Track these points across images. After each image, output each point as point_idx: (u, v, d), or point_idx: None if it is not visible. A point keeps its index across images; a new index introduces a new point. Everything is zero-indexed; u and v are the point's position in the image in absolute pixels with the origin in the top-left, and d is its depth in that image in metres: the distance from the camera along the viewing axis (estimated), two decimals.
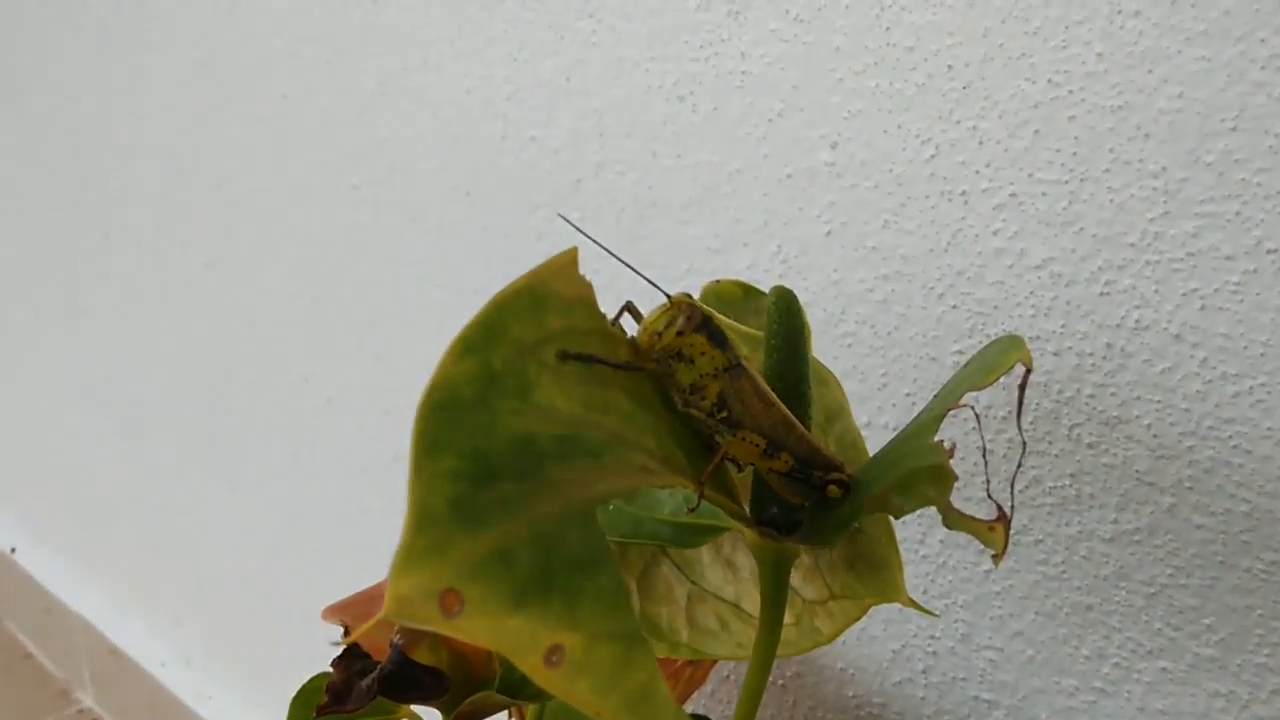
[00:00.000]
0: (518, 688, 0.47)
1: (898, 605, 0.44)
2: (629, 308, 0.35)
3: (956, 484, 0.36)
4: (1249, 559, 0.47)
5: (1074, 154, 0.48)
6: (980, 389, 0.34)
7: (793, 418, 0.36)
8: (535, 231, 0.72)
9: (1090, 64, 0.47)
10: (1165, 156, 0.46)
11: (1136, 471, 0.49)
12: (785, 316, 0.37)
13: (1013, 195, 0.50)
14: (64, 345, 1.33)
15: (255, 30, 0.90)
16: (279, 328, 0.98)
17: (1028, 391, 0.51)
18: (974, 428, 0.53)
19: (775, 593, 0.37)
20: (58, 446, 1.41)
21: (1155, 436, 0.48)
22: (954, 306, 0.53)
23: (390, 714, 0.48)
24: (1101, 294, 0.48)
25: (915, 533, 0.57)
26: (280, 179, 0.92)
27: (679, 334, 0.33)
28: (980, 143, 0.51)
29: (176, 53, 1.00)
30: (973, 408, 0.53)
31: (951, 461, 0.31)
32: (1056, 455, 0.51)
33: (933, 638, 0.58)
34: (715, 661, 0.59)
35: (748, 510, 0.38)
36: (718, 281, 0.47)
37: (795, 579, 0.42)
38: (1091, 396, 0.50)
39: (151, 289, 1.14)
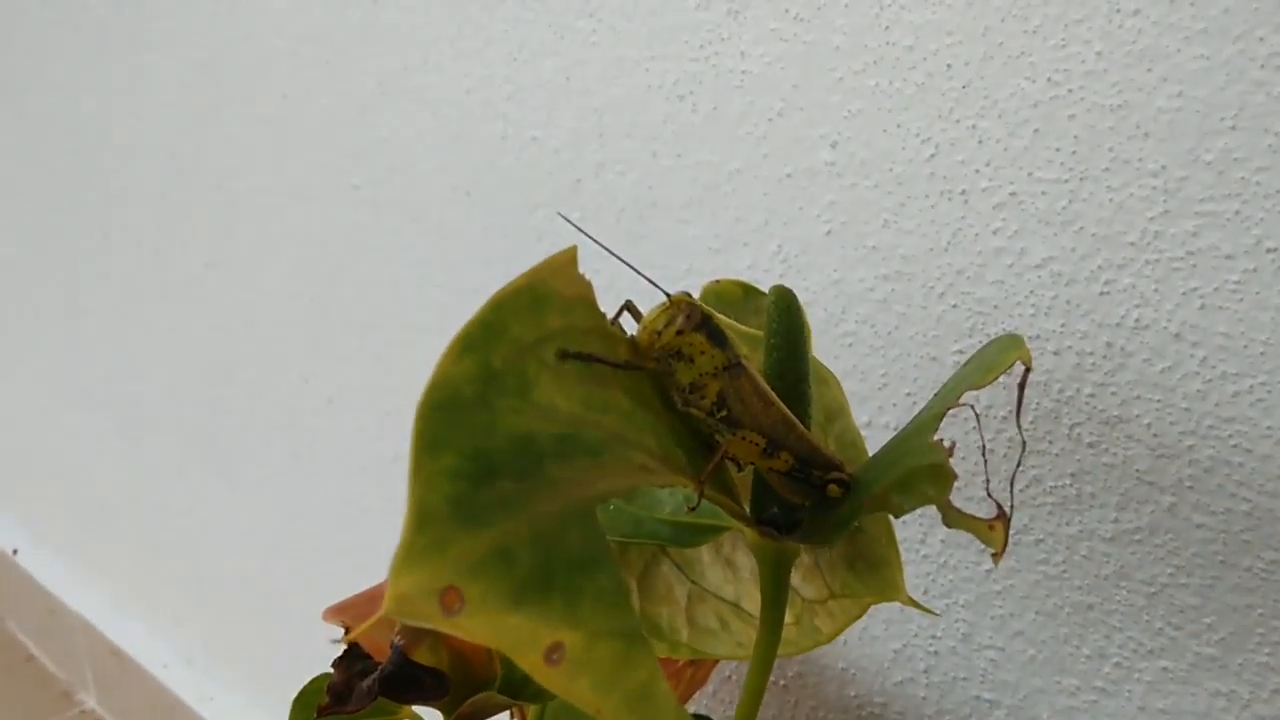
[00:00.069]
0: (519, 688, 0.47)
1: (898, 605, 0.44)
2: (629, 307, 0.35)
3: (956, 483, 0.36)
4: (1249, 558, 0.47)
5: (1074, 153, 0.48)
6: (980, 388, 0.34)
7: (793, 417, 0.36)
8: (535, 231, 0.72)
9: (1090, 63, 0.47)
10: (1165, 155, 0.46)
11: (1137, 471, 0.49)
12: (785, 316, 0.37)
13: (1012, 194, 0.50)
14: (64, 345, 1.33)
15: (255, 30, 0.90)
16: (279, 328, 0.98)
17: (1028, 390, 0.51)
18: (974, 427, 0.53)
19: (776, 592, 0.37)
20: (58, 447, 1.41)
21: (1155, 435, 0.48)
22: (954, 306, 0.53)
23: (391, 715, 0.48)
24: (1101, 293, 0.48)
25: (916, 532, 0.57)
26: (280, 179, 0.92)
27: (679, 333, 0.33)
28: (980, 142, 0.51)
29: (176, 53, 1.00)
30: (973, 407, 0.53)
31: (951, 461, 0.31)
32: (1057, 454, 0.51)
33: (934, 637, 0.58)
34: (717, 662, 0.59)
35: (748, 510, 0.38)
36: (718, 281, 0.47)
37: (795, 578, 0.42)
38: (1092, 396, 0.50)
39: (151, 289, 1.14)
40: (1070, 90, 0.48)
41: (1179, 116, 0.45)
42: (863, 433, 0.49)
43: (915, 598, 0.54)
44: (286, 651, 1.11)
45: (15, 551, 1.52)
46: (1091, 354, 0.49)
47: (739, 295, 0.47)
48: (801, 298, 0.58)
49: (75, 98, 1.18)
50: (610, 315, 0.32)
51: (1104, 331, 0.49)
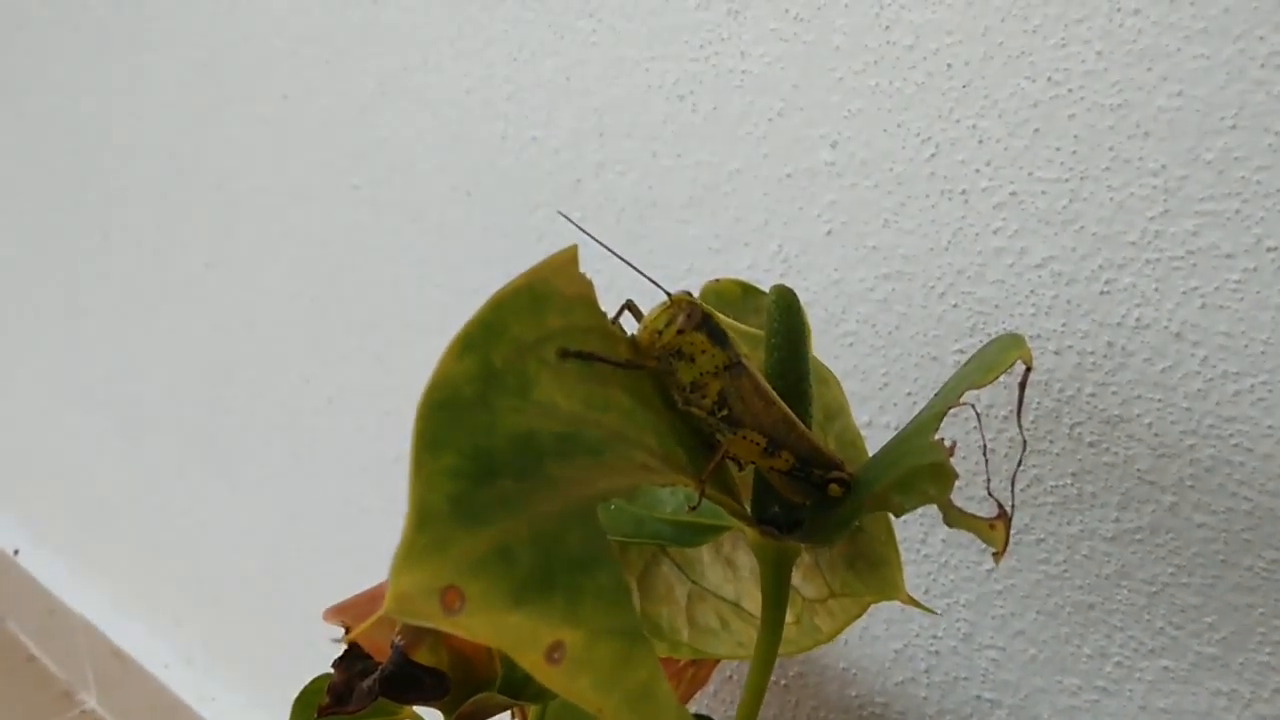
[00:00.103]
0: (519, 688, 0.47)
1: (899, 604, 0.44)
2: (629, 306, 0.35)
3: (957, 483, 0.36)
4: (1250, 557, 0.47)
5: (1074, 152, 0.48)
6: (980, 387, 0.34)
7: (793, 416, 0.36)
8: (536, 231, 0.72)
9: (1090, 62, 0.47)
10: (1165, 154, 0.46)
11: (1138, 470, 0.49)
12: (786, 315, 0.37)
13: (1013, 194, 0.50)
14: (64, 346, 1.33)
15: (255, 30, 0.90)
16: (279, 328, 0.98)
17: (1028, 390, 0.51)
18: (975, 426, 0.53)
19: (777, 592, 0.37)
20: (59, 448, 1.41)
21: (1156, 435, 0.48)
22: (955, 305, 0.53)
23: (392, 715, 0.48)
24: (1102, 292, 0.48)
25: (917, 532, 0.57)
26: (280, 179, 0.92)
27: (679, 332, 0.33)
28: (980, 141, 0.51)
29: (176, 53, 1.00)
30: (973, 406, 0.53)
31: (952, 460, 0.31)
32: (1058, 454, 0.51)
33: (935, 637, 0.58)
34: (718, 661, 0.59)
35: (749, 509, 0.38)
36: (717, 280, 0.47)
37: (795, 577, 0.42)
38: (1092, 395, 0.50)
39: (152, 289, 1.14)
40: (1070, 90, 0.48)
41: (1179, 116, 0.45)
42: (864, 432, 0.49)
43: (916, 597, 0.54)
44: (287, 652, 1.11)
45: (16, 552, 1.52)
46: (1092, 353, 0.49)
47: (738, 294, 0.47)
48: (802, 297, 0.58)
49: (75, 98, 1.18)
50: (611, 315, 0.32)
51: (1105, 331, 0.49)
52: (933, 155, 0.52)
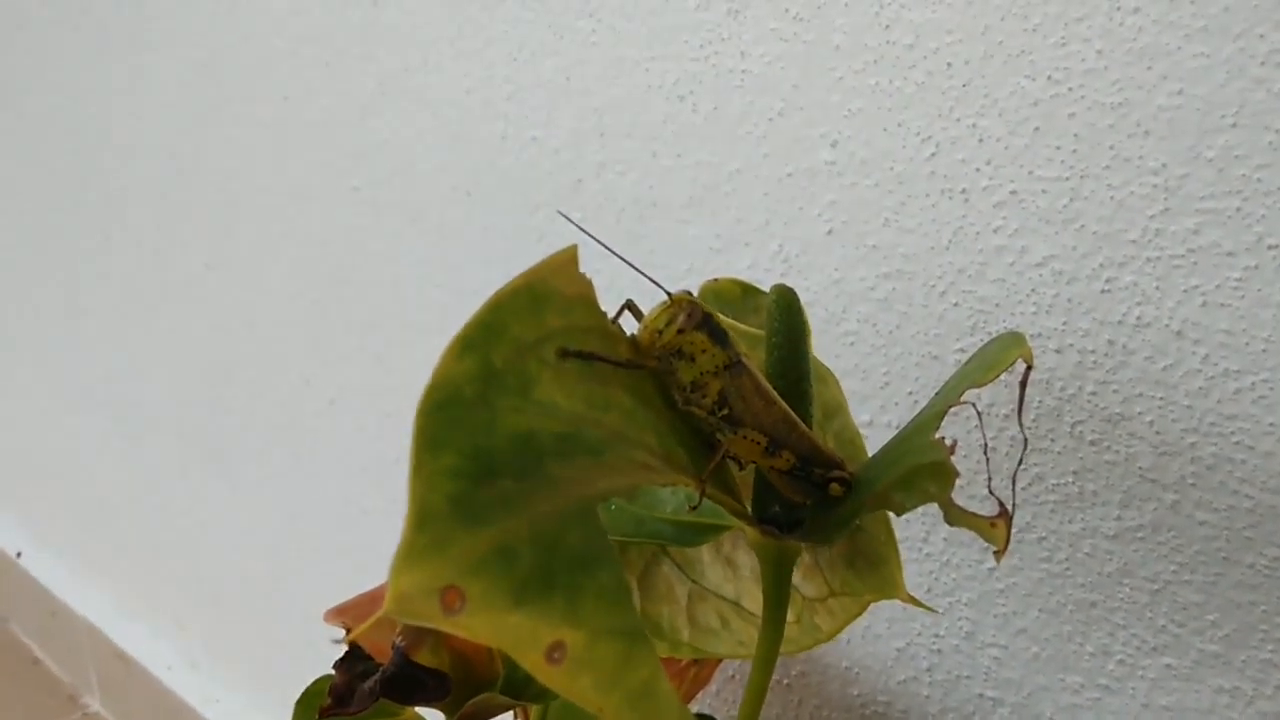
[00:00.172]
0: (521, 688, 0.47)
1: (902, 604, 0.44)
2: (629, 306, 0.35)
3: (959, 481, 0.35)
4: (1252, 555, 0.47)
5: (1074, 151, 0.48)
6: (981, 386, 0.34)
7: (794, 416, 0.36)
8: (536, 232, 0.72)
9: (1090, 61, 0.47)
10: (1165, 153, 0.46)
11: (1139, 468, 0.49)
12: (786, 315, 0.37)
13: (1013, 193, 0.50)
14: (65, 347, 1.34)
15: (255, 31, 0.90)
16: (279, 328, 0.98)
17: (1030, 388, 0.51)
18: (976, 425, 0.53)
19: (778, 591, 0.37)
20: (60, 449, 1.41)
21: (1157, 433, 0.48)
22: (955, 304, 0.53)
23: (393, 716, 0.48)
24: (1103, 291, 0.48)
25: (919, 531, 0.57)
26: (280, 180, 0.92)
27: (680, 331, 0.33)
28: (980, 140, 0.51)
29: (177, 53, 1.00)
30: (974, 405, 0.53)
31: (953, 459, 0.31)
32: (1059, 452, 0.51)
33: (937, 636, 0.58)
34: (720, 661, 0.59)
35: (749, 509, 0.38)
36: (716, 280, 0.47)
37: (795, 577, 0.42)
38: (1093, 394, 0.49)
39: (152, 290, 1.14)
40: (1070, 88, 0.47)
41: (1179, 114, 0.45)
42: (864, 432, 0.49)
43: (918, 596, 0.54)
44: (289, 653, 1.11)
45: (19, 554, 1.52)
46: (1093, 352, 0.49)
47: (737, 294, 0.47)
48: (802, 297, 0.58)
49: (76, 98, 1.18)
50: (611, 314, 0.32)
51: (1105, 329, 0.49)
52: (933, 154, 0.52)
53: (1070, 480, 0.51)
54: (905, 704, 0.60)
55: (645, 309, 0.34)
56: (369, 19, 0.79)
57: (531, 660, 0.24)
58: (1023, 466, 0.52)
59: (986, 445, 0.53)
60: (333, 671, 0.45)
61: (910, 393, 0.56)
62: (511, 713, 0.50)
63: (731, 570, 0.43)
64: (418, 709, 0.48)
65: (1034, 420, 0.51)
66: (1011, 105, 0.49)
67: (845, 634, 0.58)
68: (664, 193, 0.64)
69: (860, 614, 0.43)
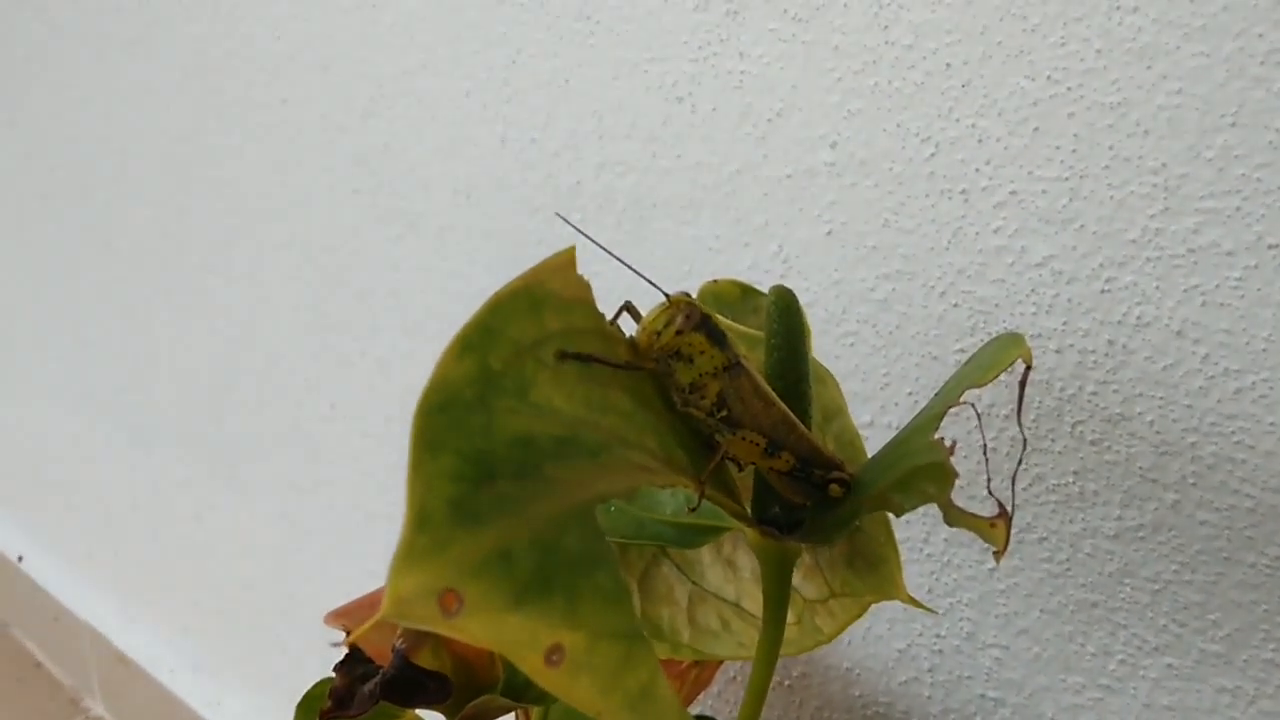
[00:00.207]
0: (521, 690, 0.47)
1: (902, 605, 0.44)
2: (628, 307, 0.35)
3: (959, 482, 0.36)
4: (1253, 554, 0.47)
5: (1073, 151, 0.48)
6: (980, 386, 0.34)
7: (793, 417, 0.36)
8: (537, 234, 0.72)
9: (1089, 60, 0.47)
10: (1165, 152, 0.46)
11: (1140, 468, 0.49)
12: (785, 315, 0.37)
13: (1013, 193, 0.50)
14: (67, 351, 1.34)
15: (254, 35, 0.90)
16: (281, 333, 0.98)
17: (1030, 389, 0.51)
18: (976, 426, 0.53)
19: (778, 592, 0.37)
20: (63, 454, 1.41)
21: (1158, 433, 0.48)
22: (955, 305, 0.53)
23: (394, 718, 0.48)
24: (1103, 291, 0.48)
25: (919, 532, 0.57)
26: (281, 184, 0.92)
27: (678, 333, 0.33)
28: (980, 140, 0.51)
29: (176, 59, 1.00)
30: (974, 405, 0.53)
31: (953, 459, 0.31)
32: (1059, 453, 0.51)
33: (938, 636, 0.58)
34: (721, 662, 0.59)
35: (749, 510, 0.38)
36: (715, 281, 0.47)
37: (796, 578, 0.42)
38: (1094, 394, 0.49)
39: (154, 295, 1.14)
40: (1070, 88, 0.47)
41: (1179, 113, 0.45)
42: (864, 433, 0.49)
43: (919, 597, 0.54)
44: (293, 657, 1.11)
45: (21, 558, 1.52)
46: (1093, 352, 0.49)
47: (736, 295, 0.47)
48: (802, 298, 0.58)
49: (77, 105, 1.18)
50: (609, 316, 0.32)
51: (1105, 329, 0.49)
52: (932, 155, 0.52)
53: (1071, 480, 0.51)
54: (906, 705, 0.60)
55: (644, 311, 0.34)
56: (368, 23, 0.79)
57: (530, 663, 0.24)
58: (1023, 467, 0.52)
59: (986, 446, 0.53)
60: (333, 674, 0.45)
61: (910, 393, 0.56)
62: (513, 715, 0.50)
63: (732, 572, 0.43)
64: (418, 711, 0.48)
65: (1034, 420, 0.51)
66: (1011, 105, 0.49)
67: (846, 635, 0.58)
68: (663, 194, 0.64)
69: (861, 615, 0.43)
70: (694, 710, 0.66)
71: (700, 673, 0.54)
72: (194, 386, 1.13)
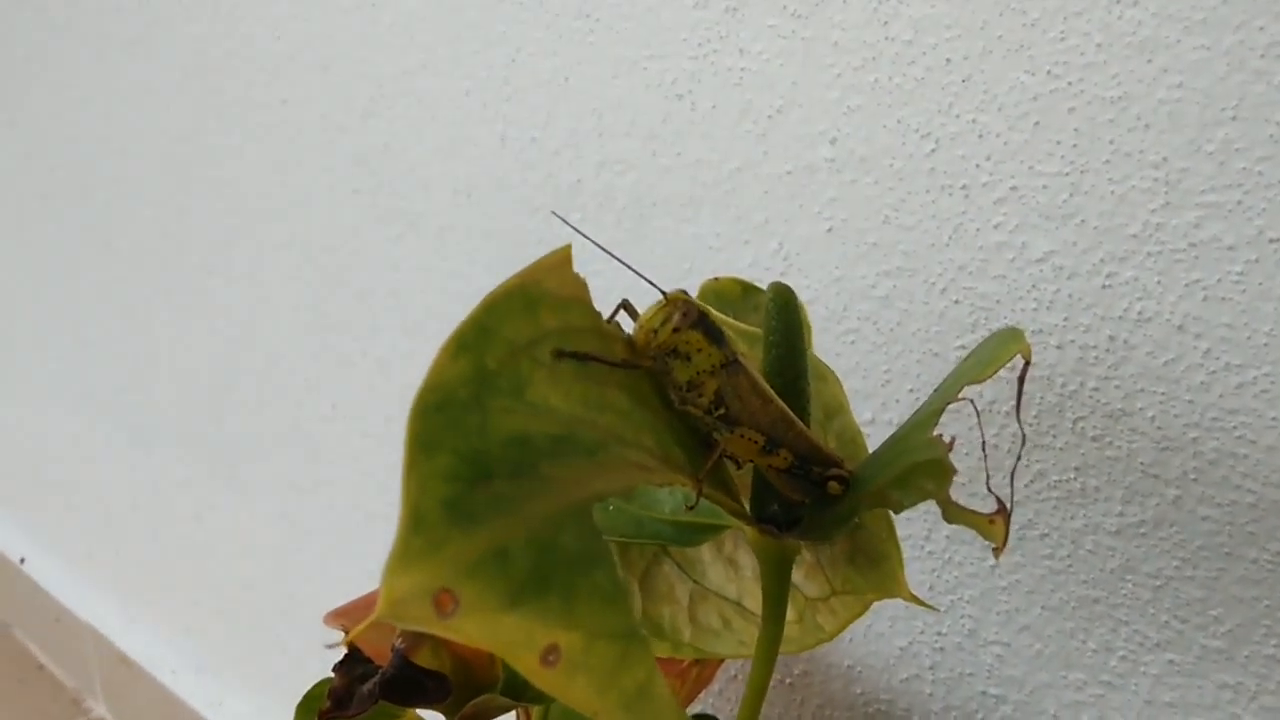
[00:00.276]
0: (521, 689, 0.47)
1: (904, 603, 0.44)
2: (625, 305, 0.35)
3: (961, 479, 0.35)
4: (1255, 550, 0.47)
5: (1074, 146, 0.48)
6: (979, 382, 0.34)
7: (791, 414, 0.36)
8: (537, 234, 0.72)
9: (1089, 55, 0.47)
10: (1166, 147, 0.45)
11: (1141, 464, 0.49)
12: (783, 312, 0.37)
13: (1013, 188, 0.50)
14: (68, 352, 1.34)
15: (254, 36, 0.90)
16: (281, 333, 0.98)
17: (1030, 384, 0.51)
18: (976, 423, 0.52)
19: (777, 590, 0.37)
20: (64, 455, 1.41)
21: (1159, 428, 0.48)
22: (956, 301, 0.53)
23: (394, 718, 0.48)
24: (1104, 286, 0.48)
25: (920, 529, 0.57)
26: (281, 184, 0.92)
27: (675, 331, 0.33)
28: (980, 136, 0.50)
29: (176, 59, 1.00)
30: (973, 402, 0.52)
31: (952, 456, 0.31)
32: (1061, 449, 0.51)
33: (939, 634, 0.57)
34: (722, 661, 0.59)
35: (748, 508, 0.38)
36: (716, 279, 0.47)
37: (797, 576, 0.42)
38: (1095, 389, 0.49)
39: (154, 295, 1.14)
40: (1070, 83, 0.47)
41: (1179, 107, 0.45)
42: (866, 430, 0.49)
43: (920, 594, 0.54)
44: (293, 658, 1.11)
45: (22, 560, 1.52)
46: (1094, 347, 0.49)
47: (737, 293, 0.47)
48: (803, 295, 0.58)
49: (77, 107, 1.18)
50: (606, 314, 0.32)
51: (1107, 325, 0.48)
52: (933, 150, 0.52)
53: (1072, 476, 0.51)
54: (908, 702, 0.59)
55: (642, 309, 0.34)
56: (367, 23, 0.79)
57: (525, 663, 0.23)
58: (1025, 463, 0.52)
59: (985, 442, 0.53)
60: (333, 674, 0.45)
61: (911, 390, 0.56)
62: (513, 714, 0.50)
63: (733, 570, 0.43)
64: (418, 711, 0.48)
65: (1035, 417, 0.51)
66: (1011, 100, 0.49)
67: (847, 633, 0.58)
68: (663, 192, 0.64)
69: (862, 612, 0.43)
70: (695, 709, 0.66)
71: (702, 671, 0.54)
72: (194, 386, 1.13)
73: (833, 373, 0.45)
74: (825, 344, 0.58)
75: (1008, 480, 0.52)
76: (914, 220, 0.53)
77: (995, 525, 0.30)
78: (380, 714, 0.46)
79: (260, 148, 0.93)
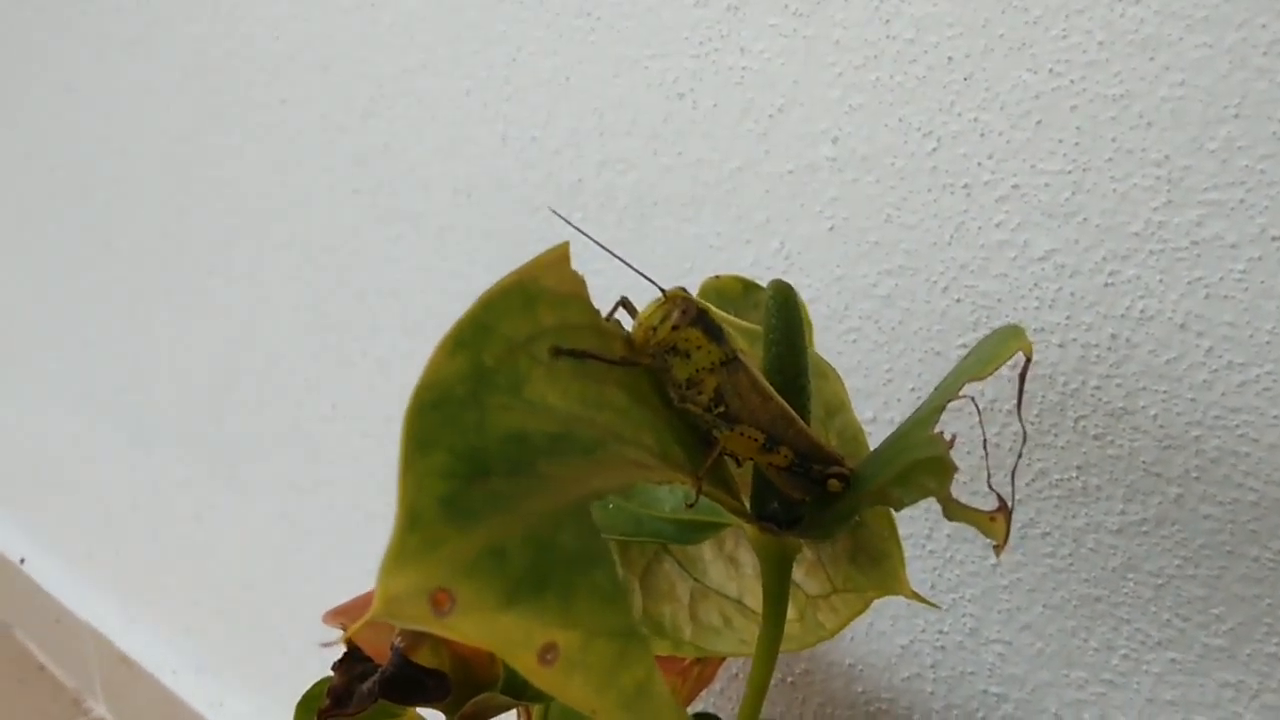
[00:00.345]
0: (521, 688, 0.47)
1: (905, 600, 0.44)
2: (624, 303, 0.35)
3: (963, 478, 0.35)
4: (1257, 548, 0.47)
5: (1076, 144, 0.48)
6: (980, 380, 0.34)
7: (791, 412, 0.36)
8: (537, 233, 0.72)
9: (1091, 52, 0.46)
10: (1168, 145, 0.45)
11: (1143, 462, 0.49)
12: (783, 310, 0.37)
13: (1015, 187, 0.50)
14: (68, 353, 1.34)
15: (253, 35, 0.90)
16: (281, 333, 0.98)
17: (1032, 383, 0.51)
18: (977, 421, 0.52)
19: (778, 587, 0.37)
20: (64, 455, 1.41)
21: (1161, 427, 0.48)
22: (958, 300, 0.53)
23: (394, 717, 0.48)
24: (1106, 284, 0.48)
25: (922, 527, 0.57)
26: (281, 184, 0.92)
27: (674, 328, 0.32)
28: (982, 134, 0.50)
29: (175, 59, 1.00)
30: (974, 400, 0.52)
31: (953, 454, 0.31)
32: (1063, 447, 0.51)
33: (941, 632, 0.57)
34: (723, 659, 0.59)
35: (748, 506, 0.38)
36: (717, 277, 0.47)
37: (798, 574, 0.42)
38: (1097, 388, 0.49)
39: (154, 296, 1.14)
40: (1072, 81, 0.47)
41: (1182, 105, 0.45)
42: (867, 428, 0.49)
43: (922, 592, 0.54)
44: (293, 657, 1.11)
45: (23, 560, 1.52)
46: (1096, 346, 0.49)
47: (739, 290, 0.47)
48: (804, 294, 0.58)
49: (77, 107, 1.18)
50: (605, 312, 0.32)
51: (1109, 323, 0.48)
52: (934, 149, 0.52)
53: (1074, 475, 0.51)
54: (909, 700, 0.59)
55: (641, 306, 0.34)
56: (367, 22, 0.79)
57: (523, 661, 0.23)
58: (1026, 462, 0.52)
59: (986, 440, 0.53)
60: (332, 673, 0.44)
61: (913, 389, 0.56)
62: (513, 713, 0.50)
63: (734, 568, 0.43)
64: (418, 710, 0.48)
65: (1037, 415, 0.51)
66: (1013, 99, 0.49)
67: (849, 631, 0.58)
68: (665, 191, 0.63)
69: (863, 611, 0.43)
70: (697, 707, 0.65)
71: (703, 670, 0.54)
72: (194, 386, 1.13)
73: (834, 370, 0.45)
74: (827, 343, 0.58)
75: (1009, 478, 0.52)
76: (916, 219, 0.53)
77: (996, 523, 0.29)
78: (380, 713, 0.46)
79: (260, 148, 0.93)
